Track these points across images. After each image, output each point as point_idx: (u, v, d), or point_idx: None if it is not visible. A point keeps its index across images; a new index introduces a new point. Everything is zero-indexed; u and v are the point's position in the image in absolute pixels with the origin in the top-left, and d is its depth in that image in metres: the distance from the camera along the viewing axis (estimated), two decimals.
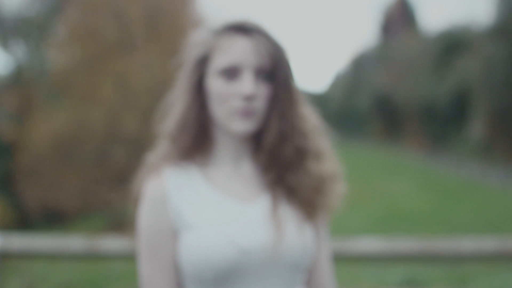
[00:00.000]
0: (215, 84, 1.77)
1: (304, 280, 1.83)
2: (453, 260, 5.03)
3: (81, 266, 7.46)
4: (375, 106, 49.19)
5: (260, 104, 1.76)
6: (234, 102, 1.75)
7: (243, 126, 1.74)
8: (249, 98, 1.73)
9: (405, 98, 42.65)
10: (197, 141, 1.82)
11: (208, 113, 1.83)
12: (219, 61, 1.77)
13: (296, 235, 1.75)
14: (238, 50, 1.77)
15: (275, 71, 1.78)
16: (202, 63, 1.81)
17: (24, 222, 17.62)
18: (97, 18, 17.57)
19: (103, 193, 17.07)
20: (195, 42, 1.85)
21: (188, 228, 1.72)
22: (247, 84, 1.73)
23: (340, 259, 3.66)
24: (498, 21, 30.50)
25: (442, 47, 39.39)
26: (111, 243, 3.65)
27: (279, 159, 1.80)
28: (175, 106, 1.85)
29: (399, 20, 59.08)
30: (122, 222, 13.97)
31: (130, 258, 3.33)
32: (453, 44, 38.36)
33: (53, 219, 18.01)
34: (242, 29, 1.80)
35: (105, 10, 17.51)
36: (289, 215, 1.77)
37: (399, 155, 41.05)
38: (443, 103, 36.90)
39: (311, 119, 1.86)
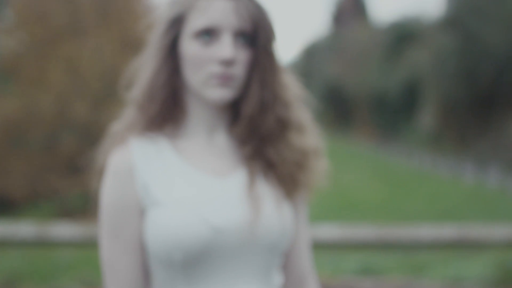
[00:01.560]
0: (190, 47, 1.62)
1: (281, 264, 1.70)
2: (411, 248, 5.04)
3: (31, 254, 7.26)
4: (326, 96, 49.48)
5: (239, 69, 1.62)
6: (211, 67, 1.60)
7: (220, 94, 1.60)
8: (227, 63, 1.59)
9: (356, 88, 42.95)
10: (167, 109, 1.67)
11: (181, 79, 1.68)
12: (195, 22, 1.62)
13: (275, 214, 1.61)
14: (217, 10, 1.62)
15: (256, 35, 1.64)
16: (177, 23, 1.65)
17: None
18: (46, 1, 17.23)
19: (52, 181, 16.77)
20: (168, 3, 1.70)
21: (156, 205, 1.58)
22: (226, 47, 1.59)
23: None
24: (448, 13, 30.85)
25: (393, 38, 39.73)
26: (61, 229, 3.58)
27: (258, 130, 1.66)
28: (143, 71, 1.70)
29: (351, 11, 59.46)
30: (73, 210, 13.74)
31: (80, 245, 3.22)
32: (404, 35, 38.71)
33: (0, 206, 17.65)
34: None
35: None
36: (267, 192, 1.64)
37: (351, 145, 41.36)
38: (393, 94, 37.23)
39: (293, 88, 1.72)
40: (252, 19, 1.63)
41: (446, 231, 4.70)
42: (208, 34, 1.61)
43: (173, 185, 1.60)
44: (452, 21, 28.91)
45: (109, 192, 1.62)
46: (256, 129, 1.66)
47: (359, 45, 44.37)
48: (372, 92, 40.50)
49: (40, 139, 17.26)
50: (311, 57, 60.27)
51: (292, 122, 1.69)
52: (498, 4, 26.03)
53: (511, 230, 5.45)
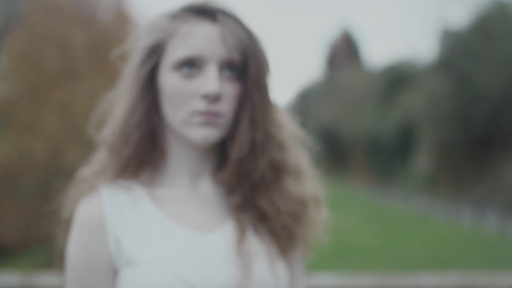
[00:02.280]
0: (170, 80, 1.42)
1: None
2: None
3: None
4: (321, 140, 49.44)
5: (226, 106, 1.42)
6: (194, 103, 1.40)
7: (205, 134, 1.40)
8: (213, 99, 1.39)
9: (351, 132, 42.95)
10: (144, 152, 1.46)
11: (160, 117, 1.47)
12: (176, 52, 1.42)
13: (267, 274, 1.41)
14: (200, 38, 1.42)
15: (246, 65, 1.43)
16: (155, 53, 1.45)
17: None
18: (39, 47, 17.21)
19: (45, 226, 16.51)
20: (146, 28, 1.48)
21: (131, 264, 1.37)
22: (211, 80, 1.39)
23: None
24: (442, 56, 31.01)
25: (387, 81, 39.86)
26: (46, 280, 3.46)
27: (248, 176, 1.45)
28: (116, 107, 1.49)
29: (344, 55, 59.83)
30: (56, 257, 13.45)
31: None
32: (398, 78, 38.85)
33: None
34: (205, 12, 1.44)
35: (48, 39, 17.18)
36: (258, 249, 1.43)
37: (346, 189, 41.18)
38: (388, 137, 37.20)
39: (288, 127, 1.52)
40: (242, 48, 1.43)
41: (448, 279, 4.50)
42: (191, 65, 1.42)
43: (149, 242, 1.39)
44: (445, 64, 29.03)
45: (76, 248, 1.41)
46: (246, 175, 1.46)
47: (353, 88, 44.52)
48: (367, 136, 40.48)
49: (33, 184, 17.08)
50: (306, 101, 60.45)
51: (287, 167, 1.50)
52: (491, 46, 26.14)
53: None
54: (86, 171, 1.51)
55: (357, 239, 17.60)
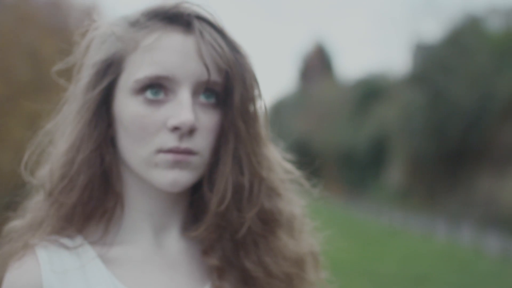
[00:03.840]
0: (129, 107, 1.10)
1: None
2: None
3: None
4: (294, 152, 49.25)
5: (202, 142, 1.10)
6: (161, 138, 1.09)
7: (174, 178, 1.08)
8: (186, 132, 1.07)
9: (324, 144, 42.83)
10: (93, 200, 1.13)
11: (114, 155, 1.14)
12: (137, 70, 1.09)
13: None
14: (170, 53, 1.09)
15: (229, 90, 1.11)
16: (109, 71, 1.12)
17: None
18: (9, 56, 16.86)
19: None
20: (98, 37, 1.14)
21: None
22: (184, 108, 1.07)
23: None
24: (415, 69, 31.09)
25: (360, 94, 39.87)
26: None
27: (232, 231, 1.14)
28: (57, 142, 1.15)
29: (317, 67, 59.82)
30: None
31: None
32: (371, 91, 38.87)
33: None
34: (177, 17, 1.11)
35: (17, 49, 16.84)
36: None
37: (319, 201, 40.97)
38: (361, 150, 37.14)
39: (281, 167, 1.23)
40: (224, 66, 1.10)
41: None
42: (157, 88, 1.10)
43: None
44: (419, 78, 29.08)
45: None
46: (229, 230, 1.14)
47: (326, 101, 44.49)
48: (340, 148, 40.39)
49: (1, 197, 16.67)
50: (279, 114, 60.37)
51: (280, 218, 1.20)
52: (464, 60, 26.21)
53: None
54: (17, 225, 1.17)
55: (331, 254, 17.34)
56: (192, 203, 1.19)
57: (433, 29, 48.03)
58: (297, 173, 1.30)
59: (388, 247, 17.85)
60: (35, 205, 1.18)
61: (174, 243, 1.17)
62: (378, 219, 27.65)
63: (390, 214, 26.68)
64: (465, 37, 27.04)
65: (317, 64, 60.51)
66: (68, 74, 1.26)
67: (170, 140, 1.09)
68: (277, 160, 1.25)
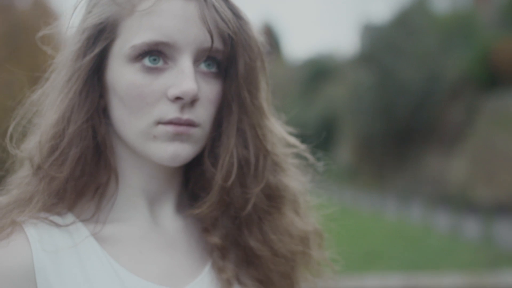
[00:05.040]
0: (125, 76, 1.02)
1: None
2: None
3: None
4: None
5: (204, 113, 1.04)
6: (160, 108, 1.01)
7: (174, 151, 1.02)
8: (188, 103, 1.00)
9: None
10: (85, 175, 1.04)
11: (107, 126, 1.06)
12: (134, 36, 1.01)
13: None
14: (170, 17, 1.01)
15: (232, 58, 1.05)
16: (102, 37, 1.03)
17: None
18: None
19: None
20: (90, 0, 1.06)
21: None
22: (187, 76, 1.00)
23: None
24: (363, 50, 31.35)
25: (309, 74, 40.07)
26: None
27: (236, 208, 1.08)
28: (45, 113, 1.06)
29: (265, 47, 59.90)
30: None
31: None
32: (319, 71, 39.10)
33: None
34: None
35: None
36: None
37: None
38: (310, 129, 37.34)
39: (285, 141, 1.17)
40: (227, 33, 1.04)
41: (393, 281, 4.32)
42: (156, 55, 1.02)
43: None
44: (367, 58, 29.32)
45: None
46: (232, 206, 1.08)
47: (274, 81, 44.56)
48: (288, 128, 40.59)
49: None
50: None
51: (286, 194, 1.14)
52: (412, 41, 26.50)
53: (459, 280, 5.29)
54: (1, 201, 1.07)
55: None
56: (188, 180, 1.13)
57: (381, 10, 48.52)
58: (301, 147, 1.24)
59: (338, 225, 18.05)
60: (22, 180, 1.08)
61: (170, 221, 1.10)
62: (328, 198, 27.88)
63: (339, 193, 26.94)
64: (413, 18, 27.32)
65: (265, 43, 60.56)
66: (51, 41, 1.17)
67: (171, 111, 1.01)
68: (280, 133, 1.20)
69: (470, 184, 20.67)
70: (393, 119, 27.10)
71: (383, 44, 28.04)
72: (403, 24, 27.50)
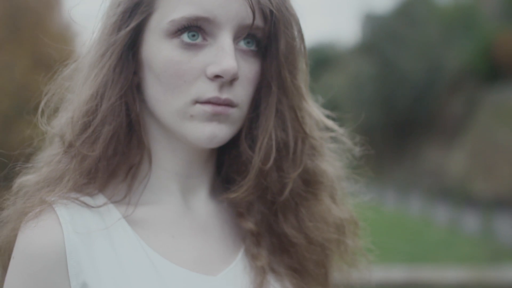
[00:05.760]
0: (162, 52, 0.97)
1: None
2: None
3: None
4: None
5: (242, 93, 0.99)
6: (198, 87, 0.97)
7: (212, 131, 0.97)
8: (227, 81, 0.96)
9: None
10: (117, 155, 0.99)
11: (141, 105, 1.01)
12: (172, 10, 0.96)
13: None
14: None
15: (274, 37, 1.00)
16: (137, 11, 0.98)
17: None
18: None
19: None
20: None
21: None
22: (227, 54, 0.95)
23: None
24: (364, 39, 31.25)
25: (309, 63, 40.00)
26: None
27: (273, 193, 1.03)
28: (77, 90, 1.00)
29: None
30: None
31: None
32: (320, 60, 38.97)
33: None
34: None
35: None
36: None
37: None
38: None
39: (322, 124, 1.12)
40: (269, 10, 0.98)
41: (396, 274, 4.27)
42: (195, 30, 0.97)
43: (129, 287, 0.93)
44: (368, 47, 29.22)
45: None
46: (269, 191, 1.03)
47: None
48: None
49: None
50: None
51: (324, 180, 1.09)
52: (413, 31, 26.41)
53: (462, 273, 5.27)
54: (30, 179, 1.03)
55: None
56: (223, 163, 1.09)
57: None
58: (339, 131, 1.19)
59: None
60: (52, 158, 1.03)
61: (203, 205, 1.07)
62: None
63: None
64: (415, 8, 27.24)
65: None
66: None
67: (210, 90, 0.97)
68: (318, 116, 1.14)
69: (470, 177, 20.62)
70: (393, 110, 27.05)
71: (384, 34, 27.96)
72: (405, 14, 27.42)
